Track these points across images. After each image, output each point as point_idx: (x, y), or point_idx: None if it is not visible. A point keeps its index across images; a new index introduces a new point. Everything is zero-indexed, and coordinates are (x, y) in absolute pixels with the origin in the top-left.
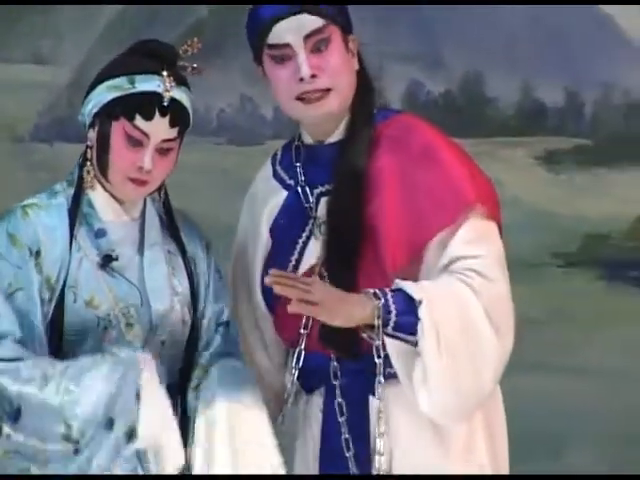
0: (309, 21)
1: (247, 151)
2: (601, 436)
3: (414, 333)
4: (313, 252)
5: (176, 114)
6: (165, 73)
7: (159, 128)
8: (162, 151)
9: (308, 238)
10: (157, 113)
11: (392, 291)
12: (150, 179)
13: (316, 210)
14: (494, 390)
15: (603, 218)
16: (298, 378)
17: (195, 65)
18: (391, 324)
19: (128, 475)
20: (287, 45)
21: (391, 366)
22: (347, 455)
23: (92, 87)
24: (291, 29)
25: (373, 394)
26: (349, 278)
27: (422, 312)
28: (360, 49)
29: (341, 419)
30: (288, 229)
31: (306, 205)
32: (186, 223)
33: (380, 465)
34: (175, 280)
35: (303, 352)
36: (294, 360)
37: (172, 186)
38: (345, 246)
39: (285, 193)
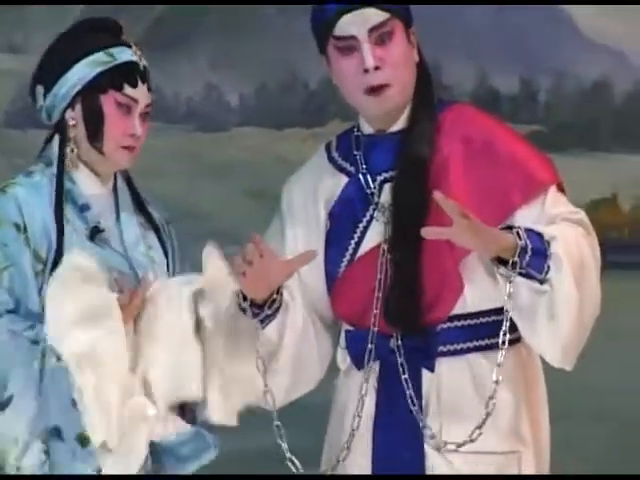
0: (374, 14)
1: (214, 137)
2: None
3: (541, 272)
4: (374, 235)
5: (149, 79)
6: (132, 43)
7: (142, 94)
8: (143, 116)
9: (369, 222)
10: (139, 80)
11: (526, 231)
12: (137, 145)
13: (379, 196)
14: (538, 369)
15: None
16: (352, 356)
17: None
18: (526, 260)
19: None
20: (352, 37)
21: (451, 343)
22: (421, 426)
23: (59, 70)
24: (356, 22)
25: (428, 369)
26: (415, 260)
27: (556, 248)
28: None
29: (408, 392)
30: (349, 213)
31: (367, 191)
32: (147, 199)
33: (431, 438)
34: (151, 251)
35: (375, 331)
36: (367, 340)
37: (142, 170)
38: (410, 230)
39: (344, 179)
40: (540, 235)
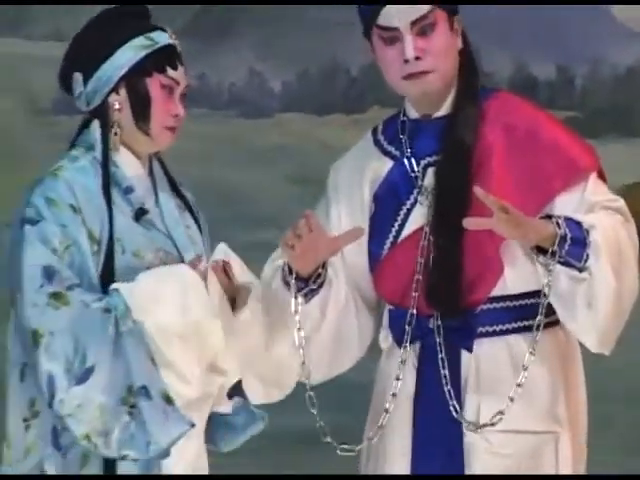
0: (416, 7)
1: (256, 123)
2: None
3: (580, 260)
4: (417, 218)
5: (183, 62)
6: (167, 27)
7: (181, 75)
8: (182, 97)
9: (413, 205)
10: (178, 62)
11: (565, 220)
12: (178, 125)
13: (422, 179)
14: (575, 351)
15: None
16: (394, 334)
17: None
18: (565, 249)
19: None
20: (395, 29)
21: (490, 324)
22: (451, 405)
23: (97, 59)
24: (399, 14)
25: (467, 349)
26: (456, 243)
27: (595, 236)
28: (464, 29)
29: (443, 371)
30: (393, 196)
31: (412, 174)
32: (179, 181)
33: (468, 416)
34: (189, 231)
35: (415, 313)
36: (407, 321)
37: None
38: (453, 214)
39: (389, 163)
40: (579, 224)
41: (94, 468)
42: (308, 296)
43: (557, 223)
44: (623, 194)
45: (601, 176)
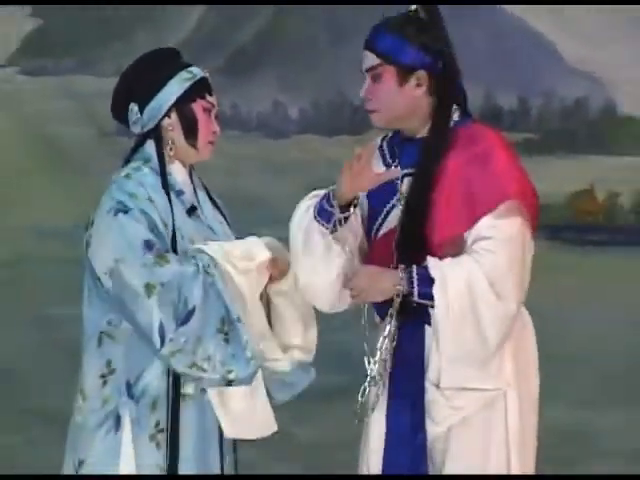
0: (369, 58)
1: (278, 143)
2: None
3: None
4: (394, 218)
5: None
6: (202, 65)
7: (215, 100)
8: (216, 117)
9: (392, 208)
10: (212, 89)
11: (418, 268)
12: (216, 139)
13: (401, 186)
14: (523, 322)
15: (545, 194)
16: (376, 310)
17: None
18: (415, 293)
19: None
20: (364, 72)
21: None
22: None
23: (151, 91)
24: (364, 60)
25: (428, 324)
26: (416, 240)
27: (435, 288)
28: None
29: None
30: (380, 197)
31: (396, 181)
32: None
33: (431, 377)
34: (223, 225)
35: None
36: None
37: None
38: (415, 216)
39: (383, 168)
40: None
41: (161, 412)
42: (335, 226)
43: (406, 270)
44: (570, 199)
45: (523, 210)
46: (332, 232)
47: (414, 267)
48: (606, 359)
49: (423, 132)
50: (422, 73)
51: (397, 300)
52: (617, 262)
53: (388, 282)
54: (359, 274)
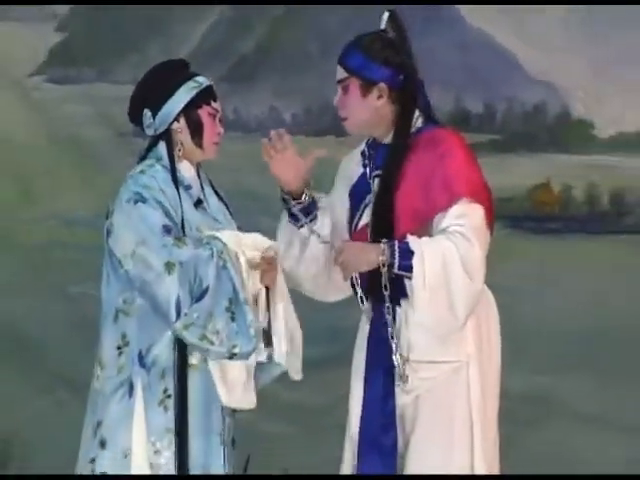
0: (339, 72)
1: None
2: None
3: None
4: (366, 216)
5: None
6: (207, 74)
7: (219, 105)
8: (220, 120)
9: (366, 205)
10: (216, 96)
11: (400, 242)
12: (220, 140)
13: (373, 186)
14: (488, 300)
15: (508, 188)
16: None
17: None
18: (396, 266)
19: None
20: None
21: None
22: (391, 343)
23: (161, 98)
24: (337, 74)
25: (398, 304)
26: (386, 232)
27: (414, 260)
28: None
29: (388, 317)
30: (359, 195)
31: (370, 181)
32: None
33: (400, 354)
34: (227, 217)
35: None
36: (360, 284)
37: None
38: (381, 212)
39: (362, 169)
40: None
41: (169, 380)
42: (299, 222)
43: (388, 244)
44: (530, 192)
45: (479, 203)
46: (301, 226)
47: (396, 241)
48: (561, 332)
49: (388, 136)
50: (383, 86)
51: (385, 270)
52: (571, 247)
53: (373, 253)
54: (346, 249)
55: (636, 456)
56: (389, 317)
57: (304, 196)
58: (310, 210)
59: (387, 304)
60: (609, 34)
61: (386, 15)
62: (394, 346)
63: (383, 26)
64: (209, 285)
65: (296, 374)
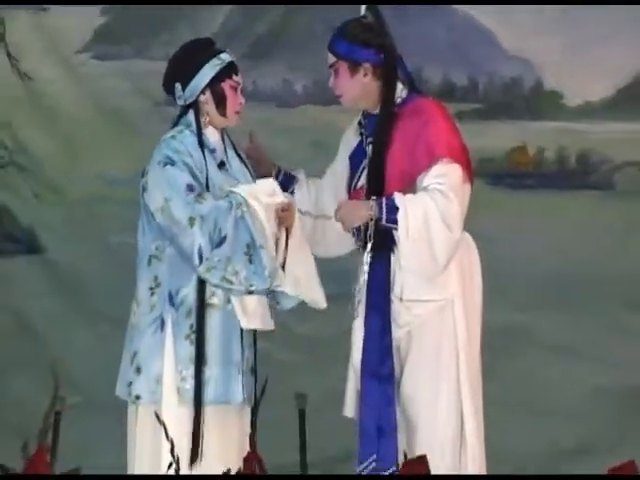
0: (330, 57)
1: (286, 111)
2: None
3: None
4: (363, 178)
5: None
6: (227, 50)
7: (240, 79)
8: (241, 92)
9: (363, 169)
10: (238, 70)
11: (387, 199)
12: (241, 109)
13: (367, 151)
14: (469, 246)
15: (489, 150)
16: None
17: None
18: (383, 219)
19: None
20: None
21: None
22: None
23: (189, 74)
24: (328, 59)
25: (391, 251)
26: (378, 191)
27: (399, 215)
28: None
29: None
30: (357, 158)
31: (365, 147)
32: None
33: (396, 291)
34: (246, 175)
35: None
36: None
37: (243, 132)
38: (374, 174)
39: (359, 137)
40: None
41: (194, 317)
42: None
43: (376, 201)
44: (508, 153)
45: (458, 163)
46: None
47: (383, 198)
48: (534, 275)
49: (377, 109)
50: (367, 65)
51: (372, 224)
52: (543, 201)
53: (364, 209)
54: (342, 207)
55: (600, 381)
56: (366, 267)
57: (274, 176)
58: (287, 187)
59: (370, 253)
60: (577, 17)
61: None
62: (391, 287)
63: (363, 12)
64: (227, 234)
65: (317, 304)
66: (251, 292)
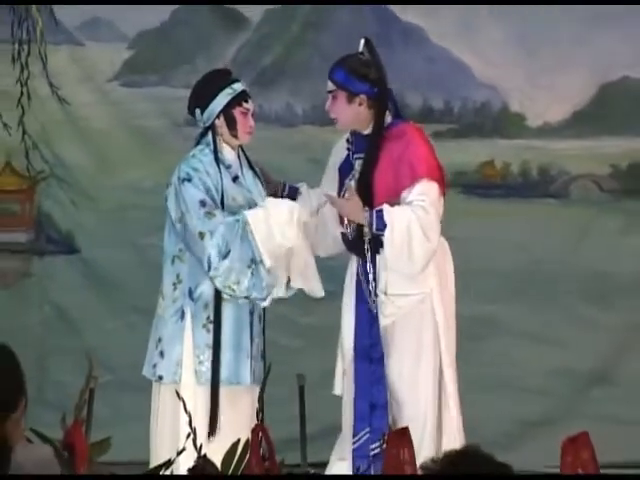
0: (329, 85)
1: (289, 130)
2: None
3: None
4: (353, 186)
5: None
6: (240, 80)
7: (251, 105)
8: (252, 115)
9: (350, 179)
10: (248, 98)
11: (377, 211)
12: (252, 131)
13: (355, 166)
14: (444, 249)
15: (463, 164)
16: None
17: None
18: (374, 227)
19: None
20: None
21: None
22: (372, 280)
23: (207, 101)
24: (328, 85)
25: (377, 252)
26: (366, 200)
27: (387, 225)
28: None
29: (369, 264)
30: (345, 171)
31: (352, 162)
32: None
33: (380, 286)
34: (258, 187)
35: (348, 232)
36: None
37: (253, 147)
38: (363, 187)
39: (347, 152)
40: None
41: (210, 310)
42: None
43: (369, 213)
44: (479, 167)
45: (436, 181)
46: None
47: (374, 210)
48: (501, 271)
49: (367, 130)
50: (363, 96)
51: (367, 230)
52: (510, 208)
53: (362, 213)
54: (350, 199)
55: (558, 364)
56: (368, 263)
57: (279, 191)
58: (292, 198)
59: (367, 246)
60: (538, 49)
61: (363, 41)
62: (378, 283)
63: (361, 49)
64: (232, 249)
65: (315, 293)
66: (247, 298)
